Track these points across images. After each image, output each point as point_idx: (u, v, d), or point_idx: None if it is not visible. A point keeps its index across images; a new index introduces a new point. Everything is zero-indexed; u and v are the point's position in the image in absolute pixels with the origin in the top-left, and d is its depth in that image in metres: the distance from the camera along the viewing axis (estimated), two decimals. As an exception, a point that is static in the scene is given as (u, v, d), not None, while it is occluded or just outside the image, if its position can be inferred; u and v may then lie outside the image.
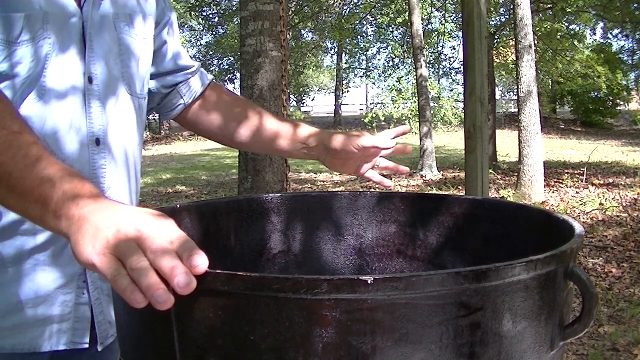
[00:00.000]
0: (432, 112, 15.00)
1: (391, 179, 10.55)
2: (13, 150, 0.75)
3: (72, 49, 0.99)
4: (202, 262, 0.56)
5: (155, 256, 0.58)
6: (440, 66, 21.80)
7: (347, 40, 22.66)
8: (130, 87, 1.10)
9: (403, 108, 20.54)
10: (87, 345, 1.04)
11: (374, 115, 21.25)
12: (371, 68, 25.27)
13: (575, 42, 18.47)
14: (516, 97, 9.70)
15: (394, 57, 21.69)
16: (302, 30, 23.44)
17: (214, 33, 22.97)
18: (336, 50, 26.58)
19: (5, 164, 0.74)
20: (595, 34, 25.50)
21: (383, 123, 22.63)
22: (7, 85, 0.93)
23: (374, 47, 23.50)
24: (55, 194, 0.68)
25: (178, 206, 0.91)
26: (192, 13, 18.30)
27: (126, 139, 1.10)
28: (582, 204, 7.60)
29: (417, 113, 12.47)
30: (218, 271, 0.55)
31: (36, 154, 0.74)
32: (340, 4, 20.31)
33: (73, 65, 0.99)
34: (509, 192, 8.59)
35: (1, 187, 0.74)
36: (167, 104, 1.28)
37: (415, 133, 12.51)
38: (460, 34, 13.32)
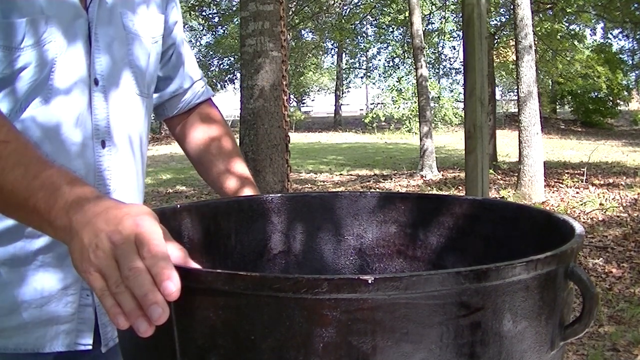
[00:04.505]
0: (432, 112, 15.02)
1: (391, 179, 10.56)
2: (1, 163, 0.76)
3: (78, 50, 0.98)
4: (174, 286, 0.56)
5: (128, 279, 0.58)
6: (440, 66, 21.82)
7: (347, 40, 22.67)
8: (137, 85, 1.10)
9: (403, 108, 20.58)
10: (90, 347, 1.04)
11: (374, 115, 21.28)
12: (371, 68, 25.28)
13: (575, 42, 18.46)
14: (516, 97, 9.69)
15: (394, 57, 21.71)
16: (302, 30, 23.45)
17: (214, 33, 22.97)
18: (336, 50, 26.60)
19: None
20: (595, 34, 25.44)
21: (383, 123, 22.65)
22: (10, 90, 0.92)
23: (374, 47, 23.52)
24: (43, 204, 0.69)
25: (178, 206, 0.91)
26: (192, 13, 18.29)
27: (132, 136, 1.10)
28: (582, 204, 7.60)
29: (417, 113, 12.48)
30: (218, 270, 0.55)
31: (26, 162, 0.75)
32: (340, 4, 20.32)
33: (78, 65, 0.99)
34: (509, 192, 8.59)
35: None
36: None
37: (416, 133, 12.50)
38: (460, 34, 13.33)
